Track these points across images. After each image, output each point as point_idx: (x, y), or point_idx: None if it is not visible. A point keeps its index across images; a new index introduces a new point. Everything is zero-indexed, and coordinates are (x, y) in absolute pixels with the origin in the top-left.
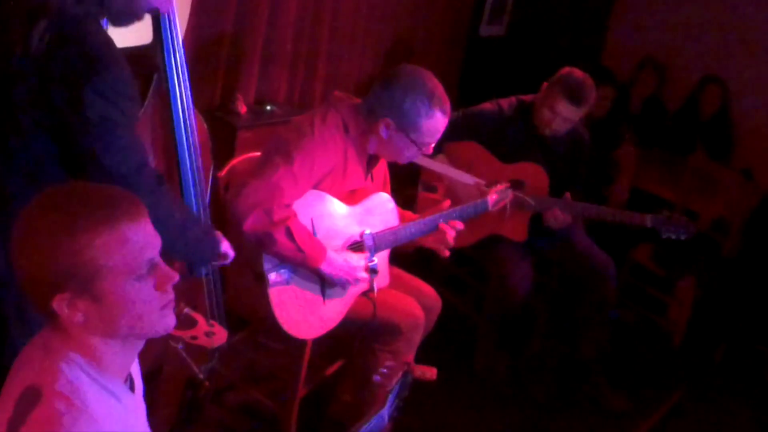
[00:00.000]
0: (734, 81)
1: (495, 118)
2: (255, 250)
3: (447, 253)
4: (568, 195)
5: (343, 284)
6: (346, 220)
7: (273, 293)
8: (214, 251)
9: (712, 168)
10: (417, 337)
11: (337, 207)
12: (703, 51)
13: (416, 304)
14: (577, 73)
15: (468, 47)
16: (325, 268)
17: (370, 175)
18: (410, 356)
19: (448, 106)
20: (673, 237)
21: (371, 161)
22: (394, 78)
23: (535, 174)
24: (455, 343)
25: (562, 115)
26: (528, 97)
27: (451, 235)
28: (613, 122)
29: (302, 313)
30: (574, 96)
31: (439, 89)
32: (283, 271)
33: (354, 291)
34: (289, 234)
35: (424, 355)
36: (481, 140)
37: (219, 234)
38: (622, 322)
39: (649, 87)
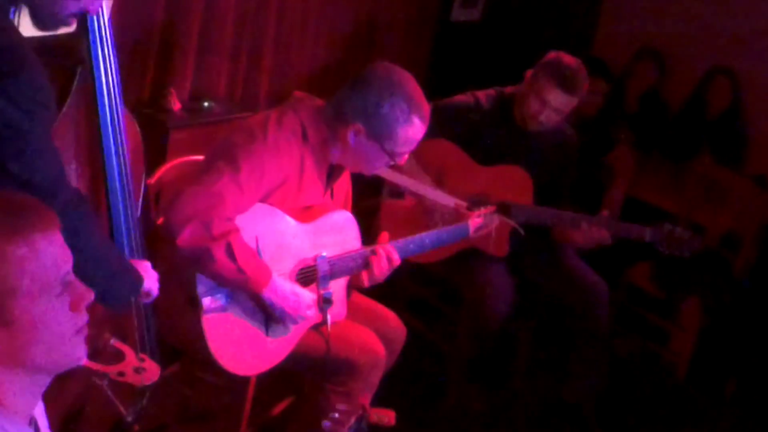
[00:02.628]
0: (746, 73)
1: (471, 112)
2: (188, 270)
3: (366, 285)
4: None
5: (285, 319)
6: (298, 240)
7: (207, 321)
8: (133, 289)
9: (720, 174)
10: (376, 377)
11: (288, 224)
12: (710, 39)
13: (376, 339)
14: (567, 57)
15: (438, 34)
16: (267, 294)
17: (330, 190)
18: (366, 398)
19: (427, 112)
20: (676, 254)
21: (332, 174)
22: (368, 78)
23: (517, 178)
24: (423, 377)
25: (553, 106)
26: (509, 89)
27: (367, 274)
28: (606, 121)
29: (241, 346)
30: (567, 83)
31: (419, 93)
32: (219, 295)
33: (304, 324)
34: (230, 251)
35: (386, 392)
36: (454, 137)
37: (146, 266)
38: (618, 354)
39: (647, 81)
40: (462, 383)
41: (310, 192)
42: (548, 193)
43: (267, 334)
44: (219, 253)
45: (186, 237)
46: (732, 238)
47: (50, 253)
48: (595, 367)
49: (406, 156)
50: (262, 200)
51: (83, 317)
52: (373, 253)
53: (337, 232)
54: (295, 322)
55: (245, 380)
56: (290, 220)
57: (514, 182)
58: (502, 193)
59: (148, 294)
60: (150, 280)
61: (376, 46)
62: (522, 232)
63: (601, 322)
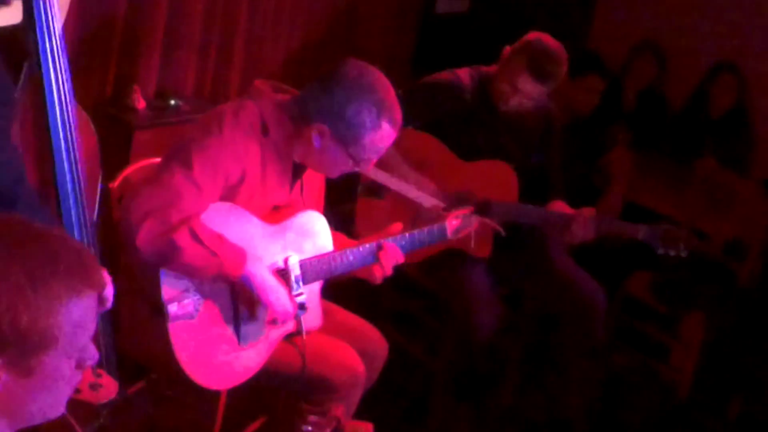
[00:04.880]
0: (752, 69)
1: (453, 90)
2: (151, 275)
3: (378, 281)
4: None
5: (272, 304)
6: (265, 242)
7: (174, 330)
8: None
9: (725, 178)
10: (355, 396)
11: (255, 225)
12: (714, 32)
13: (355, 355)
14: (546, 39)
15: (422, 27)
16: (248, 274)
17: (300, 186)
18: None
19: (398, 116)
20: (672, 253)
21: (297, 169)
22: (337, 78)
23: (502, 174)
24: (405, 396)
25: (525, 92)
26: (490, 69)
27: (378, 271)
28: (602, 121)
29: (211, 356)
30: (540, 70)
31: (390, 96)
32: (187, 301)
33: (278, 333)
34: (195, 235)
35: (366, 411)
36: (434, 119)
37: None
38: (614, 370)
39: (646, 77)
40: (447, 401)
41: (274, 189)
42: (536, 183)
43: (239, 342)
44: (183, 240)
45: (144, 235)
46: (737, 246)
47: (91, 314)
48: (590, 383)
49: (373, 162)
50: (228, 199)
51: (80, 377)
52: (381, 248)
53: (308, 234)
54: (276, 307)
55: (214, 399)
56: (257, 221)
57: (499, 178)
58: (486, 190)
59: (105, 300)
60: (109, 286)
61: (354, 40)
62: (503, 232)
63: (597, 334)
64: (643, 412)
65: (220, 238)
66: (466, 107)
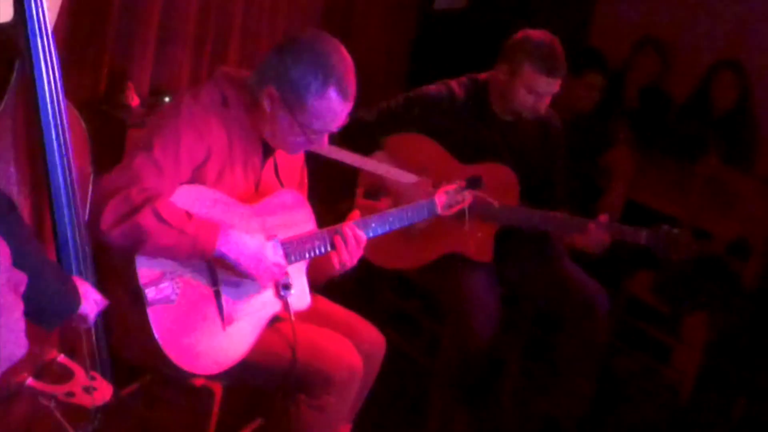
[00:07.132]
0: (755, 66)
1: (445, 103)
2: (127, 260)
3: (337, 269)
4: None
5: (256, 274)
6: (244, 223)
7: (153, 314)
8: (70, 308)
9: (728, 176)
10: (352, 391)
11: (232, 206)
12: (717, 28)
13: (352, 348)
14: (538, 35)
15: (420, 23)
16: (223, 249)
17: (273, 165)
18: (347, 426)
19: (350, 88)
20: (673, 258)
21: (268, 146)
22: (292, 42)
23: (501, 177)
24: (403, 398)
25: (544, 93)
26: (482, 75)
27: (336, 257)
28: (604, 118)
29: (196, 340)
30: (551, 66)
31: (345, 66)
32: (164, 285)
33: (264, 314)
34: (159, 216)
35: (363, 413)
36: (429, 130)
37: (86, 287)
38: (616, 373)
39: (648, 73)
40: (445, 404)
41: (244, 165)
42: (540, 190)
43: (223, 323)
44: (148, 221)
45: (108, 218)
46: (740, 246)
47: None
48: (588, 385)
49: (326, 137)
50: (198, 178)
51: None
52: (338, 233)
53: (287, 213)
54: (260, 275)
55: (209, 401)
56: (235, 202)
57: (500, 182)
58: (487, 191)
59: (84, 318)
60: (89, 303)
61: (351, 35)
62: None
63: (598, 336)
64: (644, 414)
65: (187, 215)
66: (459, 119)
